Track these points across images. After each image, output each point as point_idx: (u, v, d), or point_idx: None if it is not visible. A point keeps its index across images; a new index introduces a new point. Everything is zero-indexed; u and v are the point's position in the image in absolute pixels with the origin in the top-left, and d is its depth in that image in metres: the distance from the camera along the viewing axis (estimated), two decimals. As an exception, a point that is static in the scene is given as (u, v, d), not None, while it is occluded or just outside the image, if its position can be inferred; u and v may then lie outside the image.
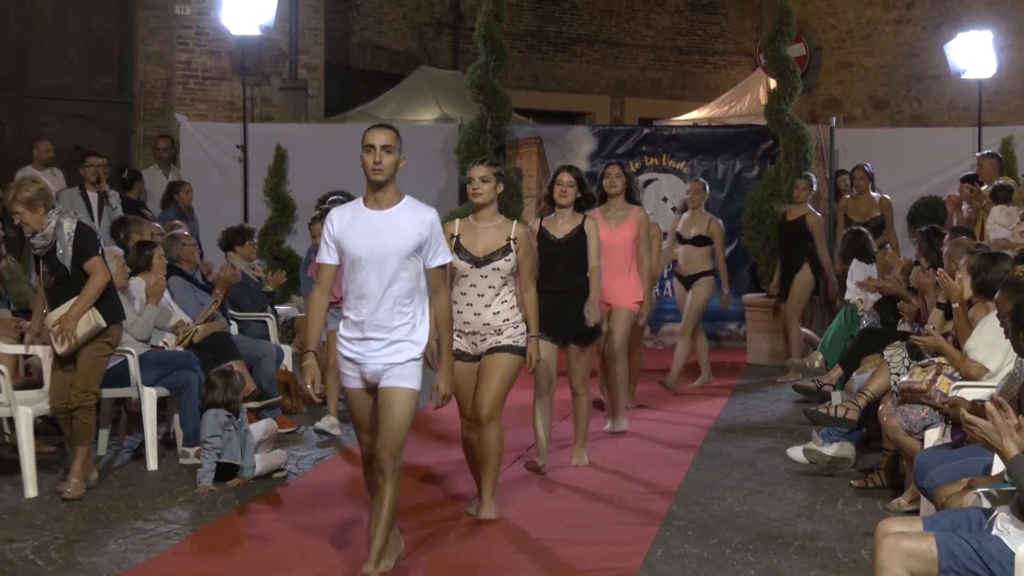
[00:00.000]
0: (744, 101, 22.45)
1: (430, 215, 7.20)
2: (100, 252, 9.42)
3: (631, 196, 11.53)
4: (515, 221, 8.66)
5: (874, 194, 15.65)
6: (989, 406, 5.72)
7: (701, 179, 15.34)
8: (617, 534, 8.64)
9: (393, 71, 23.82)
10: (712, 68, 28.82)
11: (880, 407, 9.63)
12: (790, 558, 8.06)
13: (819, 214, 15.47)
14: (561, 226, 10.17)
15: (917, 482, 7.71)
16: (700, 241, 14.48)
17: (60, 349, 9.17)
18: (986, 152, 16.40)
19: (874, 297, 12.85)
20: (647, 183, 17.57)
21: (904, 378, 9.52)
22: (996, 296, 8.19)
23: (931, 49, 22.25)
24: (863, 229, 14.84)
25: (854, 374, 11.22)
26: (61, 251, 9.14)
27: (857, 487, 9.75)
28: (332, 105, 21.46)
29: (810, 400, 12.28)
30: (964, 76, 18.92)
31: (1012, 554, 5.18)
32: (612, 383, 11.63)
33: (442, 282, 7.41)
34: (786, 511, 9.23)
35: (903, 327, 11.48)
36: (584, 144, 18.04)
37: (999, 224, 14.13)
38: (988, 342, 8.70)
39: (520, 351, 8.71)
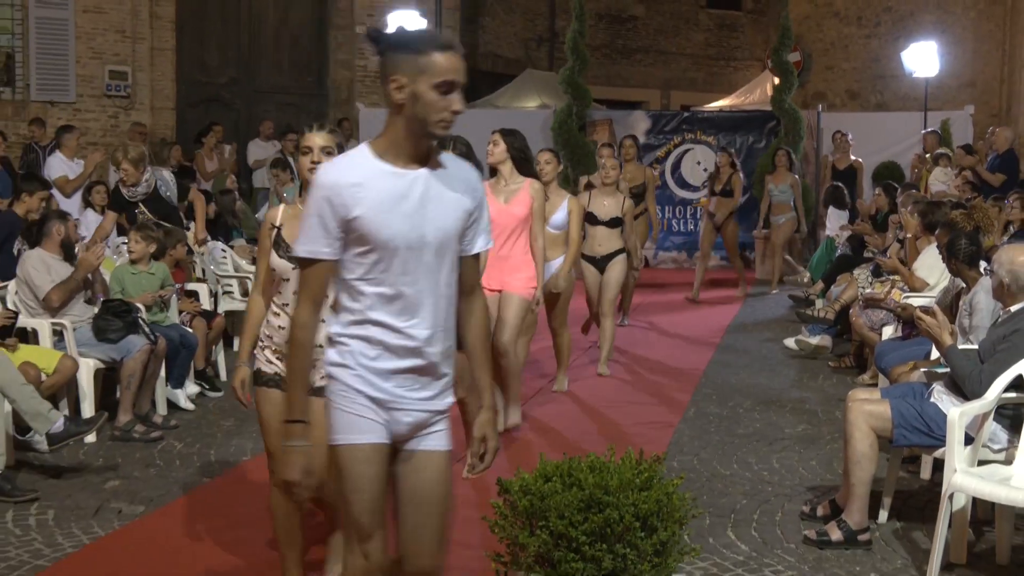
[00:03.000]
0: (756, 93, 22.12)
1: (475, 175, 3.53)
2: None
3: (523, 168, 7.25)
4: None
5: (640, 163, 13.42)
6: (934, 308, 5.68)
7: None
8: (659, 398, 8.65)
9: (507, 72, 23.72)
10: (733, 70, 28.47)
11: (850, 310, 9.58)
12: (785, 416, 8.03)
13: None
14: None
15: (877, 364, 7.68)
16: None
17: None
18: (930, 130, 16.25)
19: (846, 233, 12.81)
20: (686, 152, 17.55)
21: (868, 290, 9.50)
22: (936, 232, 8.13)
23: (891, 55, 21.87)
24: (840, 184, 14.77)
25: (832, 287, 11.19)
26: (168, 192, 9.15)
27: (833, 367, 9.71)
28: (464, 96, 21.42)
29: (800, 305, 12.22)
30: (915, 75, 18.63)
31: (945, 416, 5.13)
32: (503, 378, 7.19)
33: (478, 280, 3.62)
34: (782, 383, 9.19)
35: (867, 254, 11.39)
36: (641, 123, 18.00)
37: (939, 181, 14.07)
38: (929, 264, 8.65)
39: None
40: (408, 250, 3.24)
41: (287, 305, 4.53)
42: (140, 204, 9.13)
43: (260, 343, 4.67)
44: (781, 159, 15.02)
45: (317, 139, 4.65)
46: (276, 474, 4.43)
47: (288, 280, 4.57)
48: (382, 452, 3.28)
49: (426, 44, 3.22)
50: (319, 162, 4.52)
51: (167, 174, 9.34)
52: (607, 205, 9.29)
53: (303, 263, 3.29)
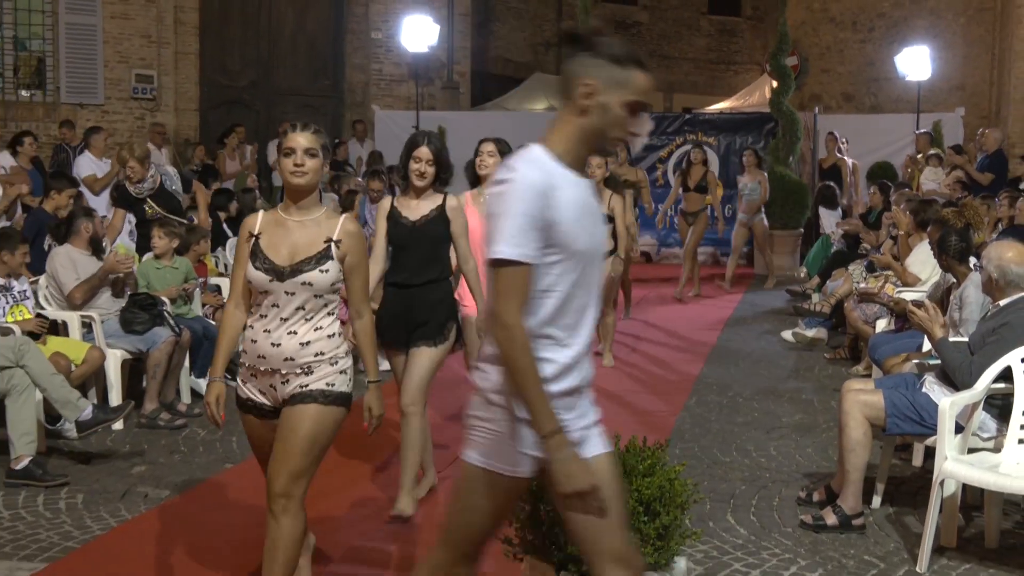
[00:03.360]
0: (755, 96, 22.12)
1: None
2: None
3: None
4: (343, 215, 4.20)
5: (631, 166, 12.87)
6: (927, 303, 5.68)
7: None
8: (661, 388, 8.64)
9: (516, 76, 23.72)
10: (733, 73, 28.44)
11: (845, 304, 9.57)
12: (782, 405, 8.02)
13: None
14: (417, 206, 5.50)
15: (871, 355, 7.66)
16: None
17: None
18: (922, 131, 16.20)
19: (841, 230, 12.81)
20: (687, 152, 17.53)
21: (862, 285, 9.47)
22: (928, 229, 8.12)
23: (885, 59, 21.82)
24: (831, 184, 14.80)
25: (827, 282, 11.18)
26: (173, 186, 9.22)
27: (829, 358, 9.69)
28: (476, 99, 21.42)
29: (797, 299, 12.20)
30: (907, 78, 18.55)
31: (936, 405, 5.12)
32: None
33: None
34: (780, 373, 9.18)
35: (861, 251, 11.39)
36: (645, 125, 17.95)
37: (930, 180, 14.06)
38: (921, 260, 8.64)
39: (339, 399, 4.03)
40: (588, 260, 2.98)
41: (265, 318, 4.02)
42: (147, 199, 9.15)
43: (241, 361, 4.13)
44: (749, 158, 14.53)
45: (301, 139, 4.06)
46: (270, 486, 3.96)
47: (267, 293, 4.01)
48: (525, 486, 3.09)
49: (629, 59, 2.93)
50: (302, 164, 4.01)
51: (171, 169, 9.43)
52: None
53: (507, 265, 2.85)
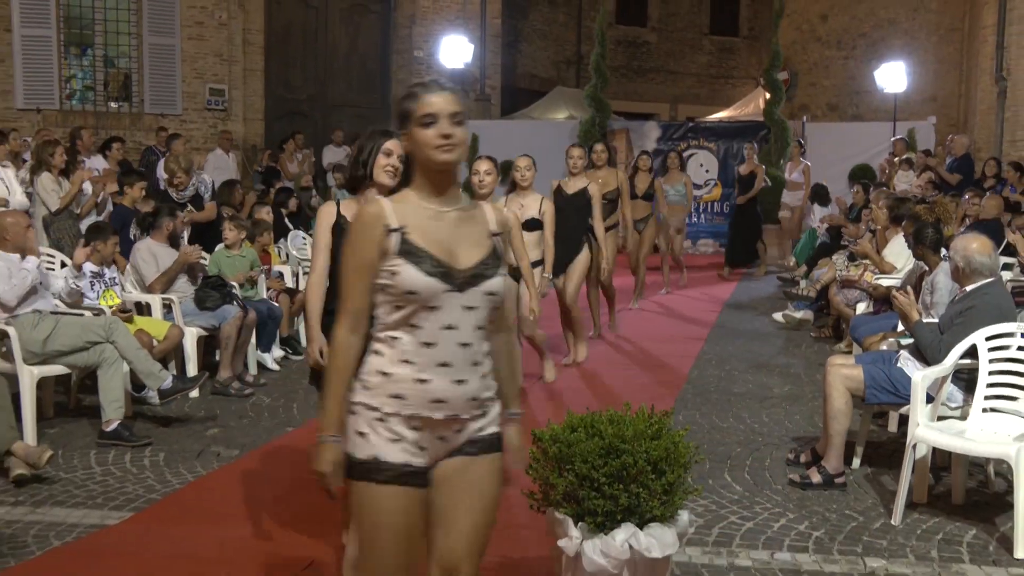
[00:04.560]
0: (750, 106, 21.95)
1: None
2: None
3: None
4: (480, 200, 3.18)
5: (613, 168, 9.78)
6: (911, 290, 5.65)
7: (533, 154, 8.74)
8: (667, 362, 8.61)
9: (541, 89, 23.68)
10: (731, 87, 28.27)
11: (829, 289, 9.51)
12: (773, 378, 7.98)
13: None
14: None
15: (852, 334, 7.63)
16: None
17: None
18: (898, 137, 16.11)
19: (825, 225, 12.76)
20: (691, 156, 17.42)
21: (844, 272, 9.43)
22: (903, 224, 8.06)
23: (865, 74, 21.67)
24: (824, 184, 14.64)
25: (814, 270, 11.12)
26: (207, 193, 9.47)
27: (815, 337, 9.64)
28: (505, 109, 21.39)
29: (787, 286, 12.14)
30: (885, 91, 18.45)
31: (909, 379, 5.09)
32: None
33: None
34: (772, 350, 9.13)
35: (844, 242, 11.33)
36: (653, 132, 17.95)
37: (902, 182, 14.01)
38: (896, 251, 8.60)
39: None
40: None
41: (433, 346, 2.52)
42: (188, 204, 9.26)
43: (369, 411, 2.58)
44: (673, 161, 12.72)
45: (442, 102, 2.52)
46: None
47: (438, 308, 2.52)
48: None
49: None
50: (451, 135, 2.50)
51: (207, 177, 9.63)
52: (524, 206, 7.26)
53: None
